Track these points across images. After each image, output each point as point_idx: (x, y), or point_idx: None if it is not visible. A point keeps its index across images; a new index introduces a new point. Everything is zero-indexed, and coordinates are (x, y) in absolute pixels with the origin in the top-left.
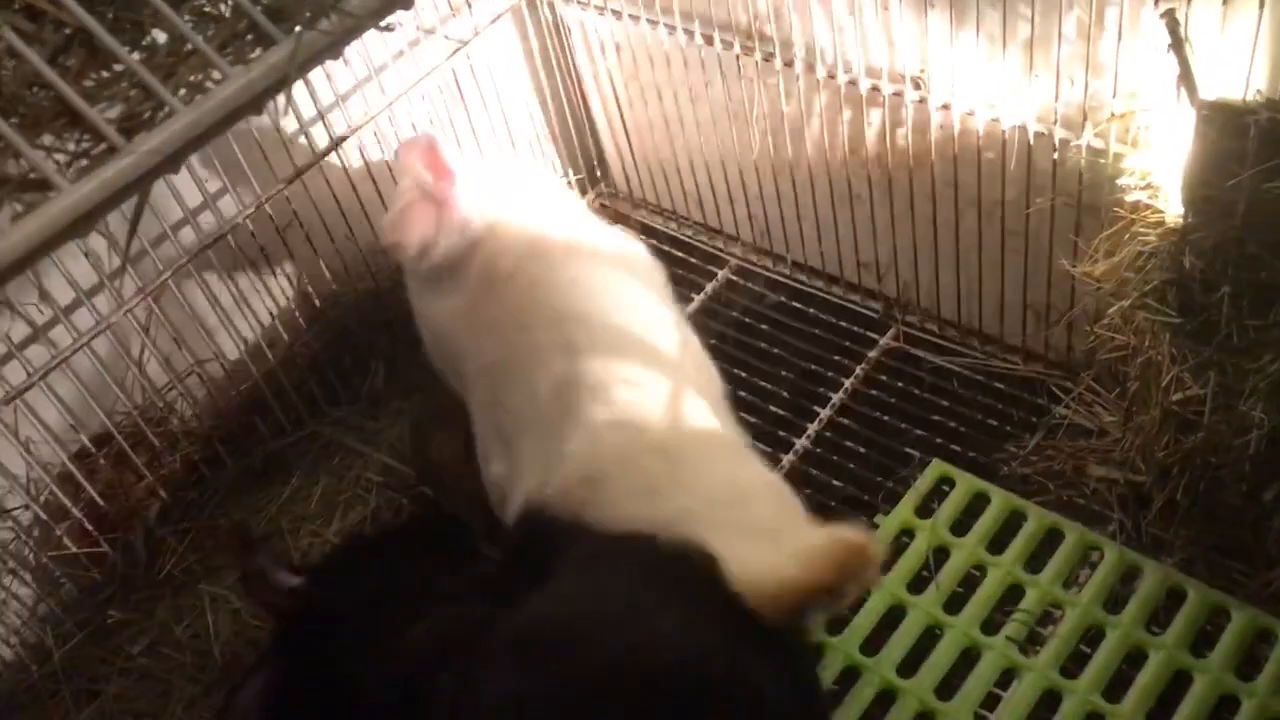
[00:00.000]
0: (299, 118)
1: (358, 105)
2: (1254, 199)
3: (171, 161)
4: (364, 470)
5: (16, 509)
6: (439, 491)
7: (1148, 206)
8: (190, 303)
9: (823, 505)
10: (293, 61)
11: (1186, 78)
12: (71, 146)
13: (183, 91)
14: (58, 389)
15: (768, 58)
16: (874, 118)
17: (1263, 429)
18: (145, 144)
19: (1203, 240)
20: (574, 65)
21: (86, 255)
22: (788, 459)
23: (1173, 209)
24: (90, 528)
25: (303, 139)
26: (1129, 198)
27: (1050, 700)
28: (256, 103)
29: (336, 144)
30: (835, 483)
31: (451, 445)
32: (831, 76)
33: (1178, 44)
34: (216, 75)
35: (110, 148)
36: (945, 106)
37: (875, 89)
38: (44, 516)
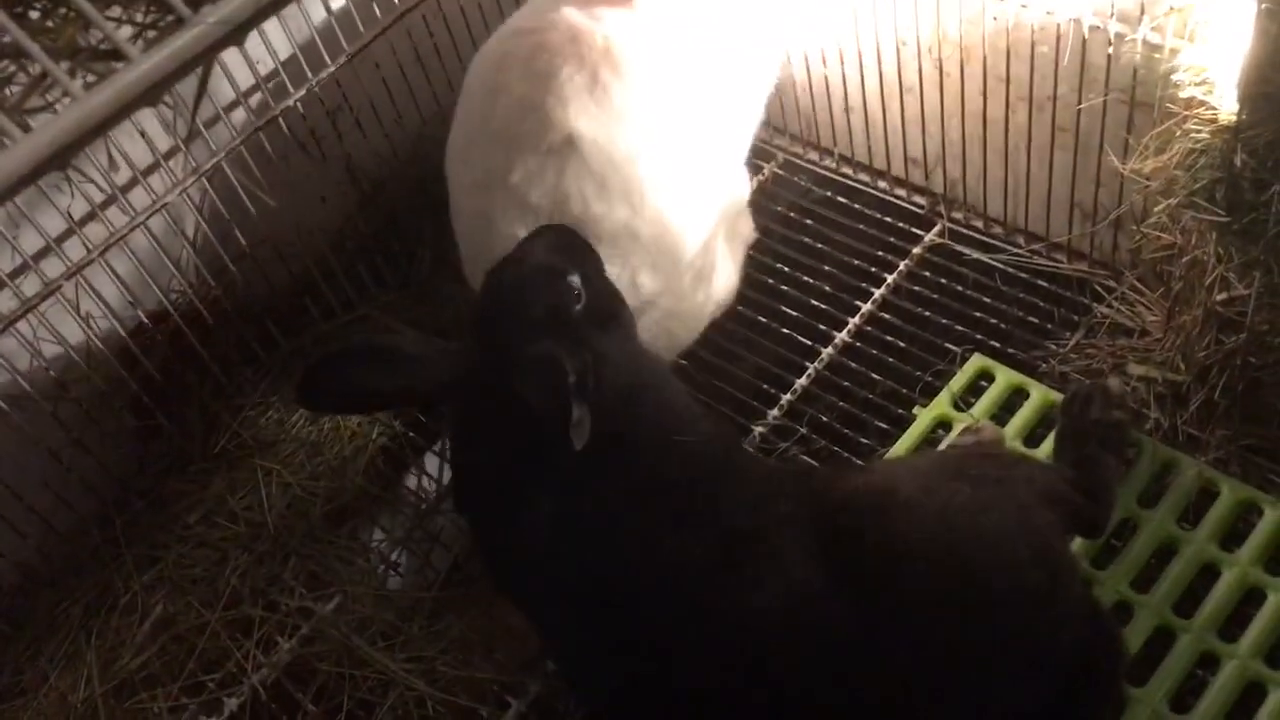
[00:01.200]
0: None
1: None
2: None
3: (239, 32)
4: None
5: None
6: None
7: (1201, 103)
8: (243, 184)
9: (860, 398)
10: None
11: None
12: (140, 17)
13: None
14: (116, 266)
15: None
16: (926, 6)
17: None
18: (213, 14)
19: (1256, 138)
20: None
21: (143, 134)
22: (828, 351)
23: (1227, 106)
24: (148, 401)
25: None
26: (1183, 94)
27: None
28: None
29: (388, 25)
30: (875, 375)
31: None
32: None
33: None
34: None
35: (178, 19)
36: None
37: None
38: (104, 388)
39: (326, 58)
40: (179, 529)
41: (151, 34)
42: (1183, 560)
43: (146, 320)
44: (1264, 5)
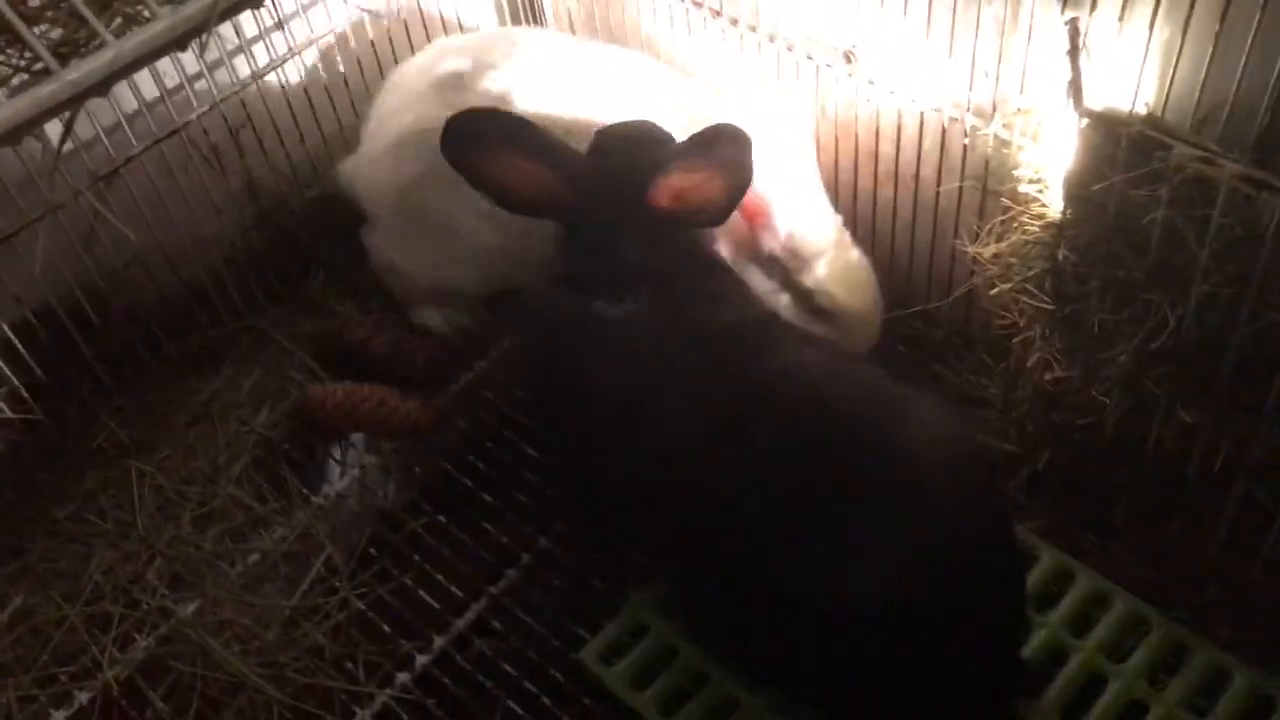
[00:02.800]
0: (259, 25)
1: (318, 17)
2: (1121, 204)
3: (101, 87)
4: (290, 369)
5: None
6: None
7: (1035, 199)
8: (140, 192)
9: None
10: (214, 9)
11: (1076, 84)
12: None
13: (118, 22)
14: (5, 262)
15: (716, 14)
16: (806, 84)
17: (1117, 413)
18: (75, 71)
19: (1077, 237)
20: None
21: (37, 137)
22: None
23: (1055, 205)
24: (26, 395)
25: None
26: (1021, 189)
27: None
28: (181, 41)
29: (287, 57)
30: None
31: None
32: (772, 40)
33: (1074, 51)
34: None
35: (45, 69)
36: (871, 82)
37: (809, 58)
38: None
39: (233, 76)
40: (46, 522)
41: (23, 77)
42: None
43: (32, 316)
44: (1085, 118)
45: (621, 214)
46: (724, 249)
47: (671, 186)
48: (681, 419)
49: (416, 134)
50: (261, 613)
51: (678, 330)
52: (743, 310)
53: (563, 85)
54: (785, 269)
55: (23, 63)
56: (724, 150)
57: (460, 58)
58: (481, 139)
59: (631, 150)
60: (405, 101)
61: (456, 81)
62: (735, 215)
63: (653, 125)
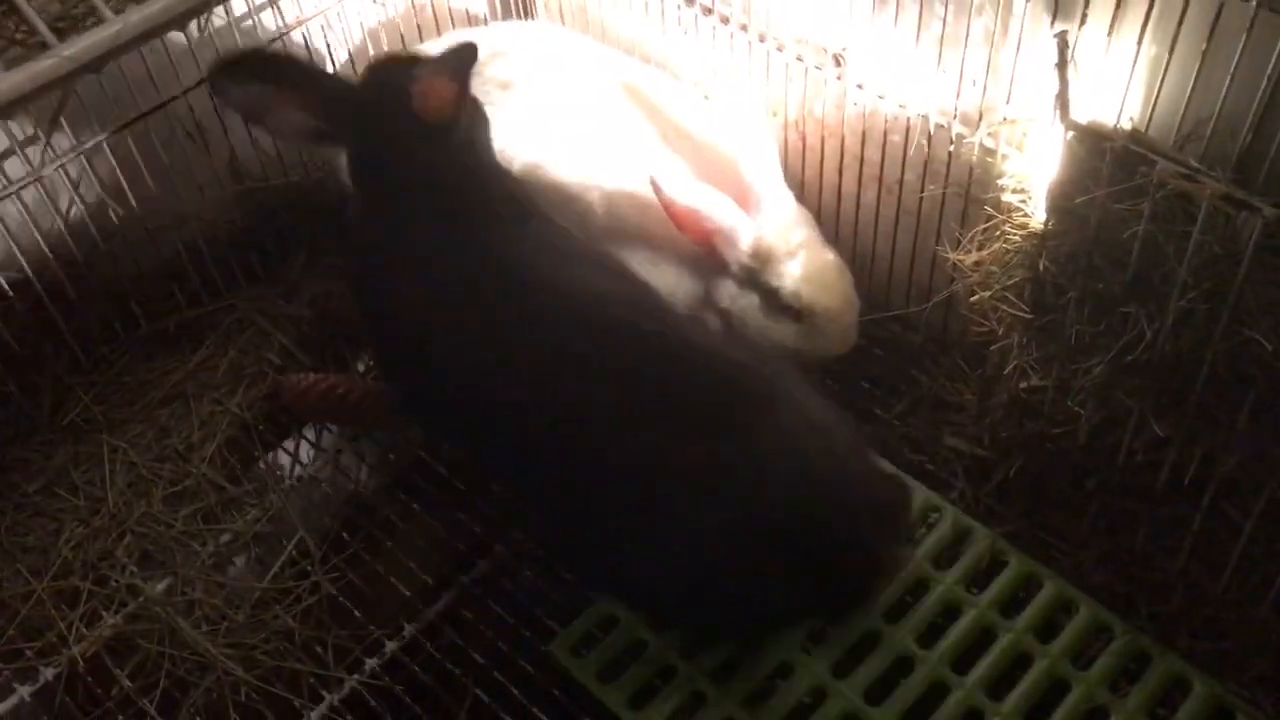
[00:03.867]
0: (249, 4)
1: None
2: (1103, 217)
3: (96, 64)
4: (267, 351)
5: None
6: None
7: (1018, 209)
8: (122, 166)
9: None
10: None
11: (1063, 96)
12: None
13: None
14: None
15: (707, 11)
16: (795, 85)
17: (1090, 423)
18: (71, 48)
19: (1058, 248)
20: None
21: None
22: None
23: (1038, 215)
24: None
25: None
26: (1004, 198)
27: (870, 640)
28: (181, 20)
29: (277, 36)
30: None
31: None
32: (762, 40)
33: (1062, 64)
34: None
35: (43, 43)
36: (860, 86)
37: (799, 59)
38: None
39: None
40: (16, 496)
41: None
42: (965, 622)
43: (8, 287)
44: (1071, 131)
45: (389, 130)
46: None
47: (421, 94)
48: (465, 330)
49: None
50: (231, 594)
51: (456, 241)
52: (516, 217)
53: (568, 75)
54: (751, 270)
55: (19, 36)
56: (453, 57)
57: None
58: (246, 76)
59: (392, 71)
60: None
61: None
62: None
63: (413, 53)
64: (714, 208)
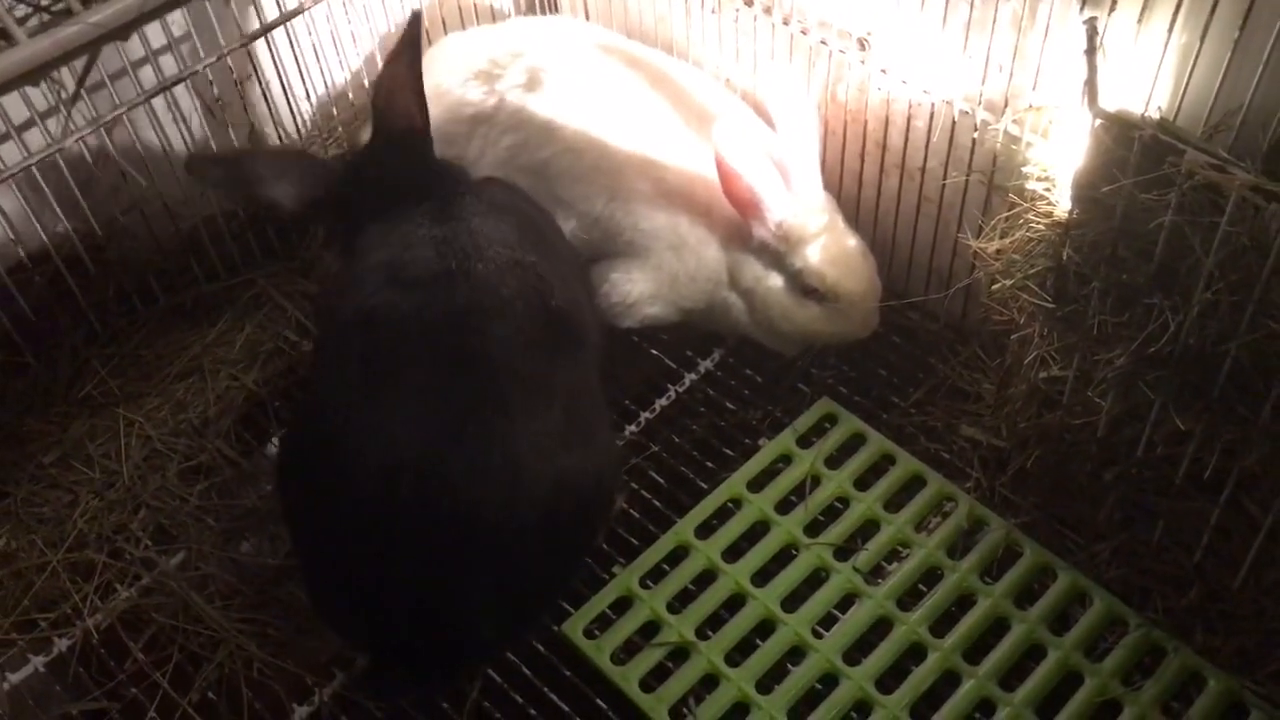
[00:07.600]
0: None
1: None
2: (1129, 207)
3: (122, 31)
4: (283, 327)
5: None
6: None
7: (1042, 197)
8: (141, 139)
9: (713, 424)
10: None
11: (1092, 84)
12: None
13: None
14: (3, 203)
15: None
16: (819, 69)
17: (1110, 415)
18: (97, 14)
19: (1082, 237)
20: None
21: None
22: (690, 377)
23: (1062, 204)
24: (18, 338)
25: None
26: (1028, 186)
27: (882, 627)
28: None
29: (296, 11)
30: (729, 405)
31: None
32: (786, 23)
33: (1091, 50)
34: None
35: (67, 9)
36: (884, 71)
37: (823, 42)
38: None
39: (241, 28)
40: (32, 467)
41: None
42: (979, 612)
43: (26, 259)
44: (1099, 119)
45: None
46: (714, 237)
47: None
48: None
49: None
50: (245, 569)
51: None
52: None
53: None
54: (776, 252)
55: (45, 2)
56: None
57: (494, 42)
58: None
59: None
60: (437, 89)
61: (492, 68)
62: (727, 205)
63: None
64: (759, 176)
